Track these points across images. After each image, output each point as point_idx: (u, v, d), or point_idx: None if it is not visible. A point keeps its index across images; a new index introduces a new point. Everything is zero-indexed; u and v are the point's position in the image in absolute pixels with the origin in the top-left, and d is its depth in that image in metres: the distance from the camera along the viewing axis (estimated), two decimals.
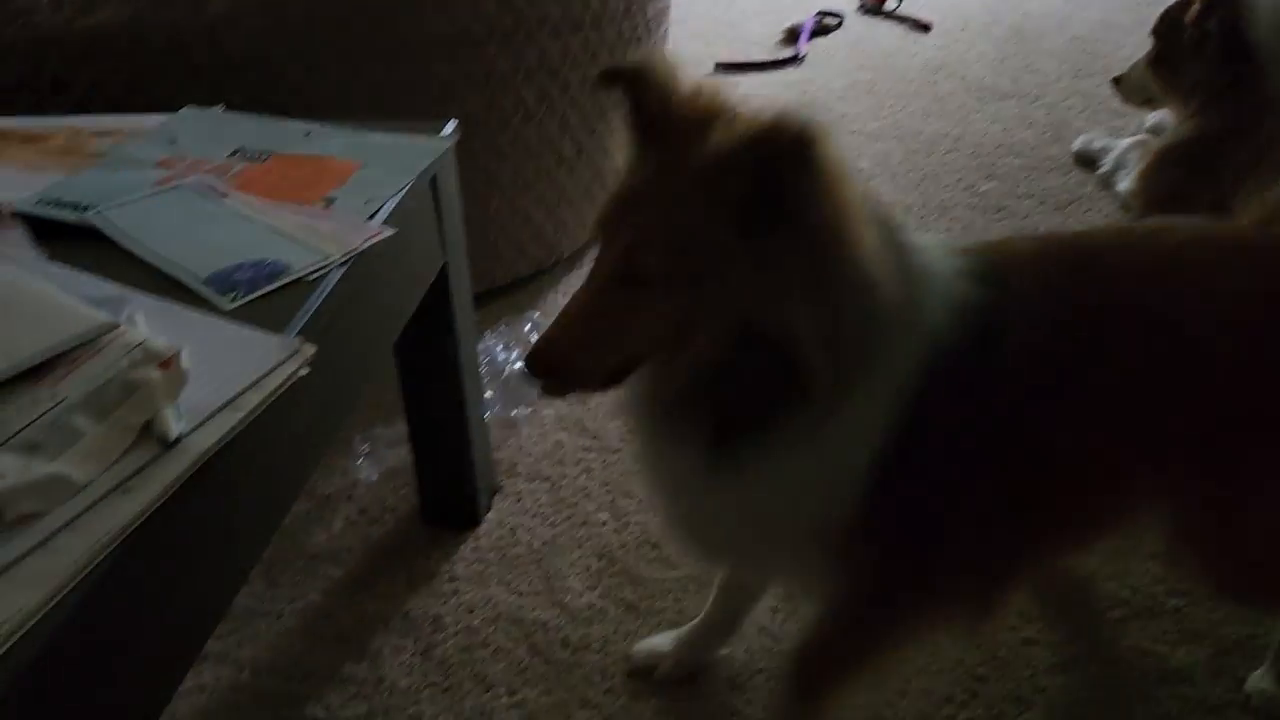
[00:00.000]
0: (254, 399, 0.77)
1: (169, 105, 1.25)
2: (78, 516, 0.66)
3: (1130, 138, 2.28)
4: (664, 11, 1.97)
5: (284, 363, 0.81)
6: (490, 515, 1.44)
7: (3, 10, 1.39)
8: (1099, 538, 1.08)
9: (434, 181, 1.18)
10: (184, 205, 1.04)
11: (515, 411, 1.60)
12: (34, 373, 0.71)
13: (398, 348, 1.33)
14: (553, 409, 1.63)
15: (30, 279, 0.79)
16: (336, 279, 0.95)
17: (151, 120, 1.21)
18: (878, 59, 2.99)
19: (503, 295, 1.88)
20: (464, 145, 1.65)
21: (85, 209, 1.02)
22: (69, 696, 0.63)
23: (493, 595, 1.32)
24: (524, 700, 1.20)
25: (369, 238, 0.99)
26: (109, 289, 0.87)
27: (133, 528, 0.67)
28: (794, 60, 2.99)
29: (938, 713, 1.17)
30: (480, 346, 1.71)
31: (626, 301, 0.81)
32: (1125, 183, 2.16)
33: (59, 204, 1.03)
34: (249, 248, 0.97)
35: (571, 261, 2.00)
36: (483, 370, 1.67)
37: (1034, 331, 0.87)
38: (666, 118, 0.81)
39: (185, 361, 0.76)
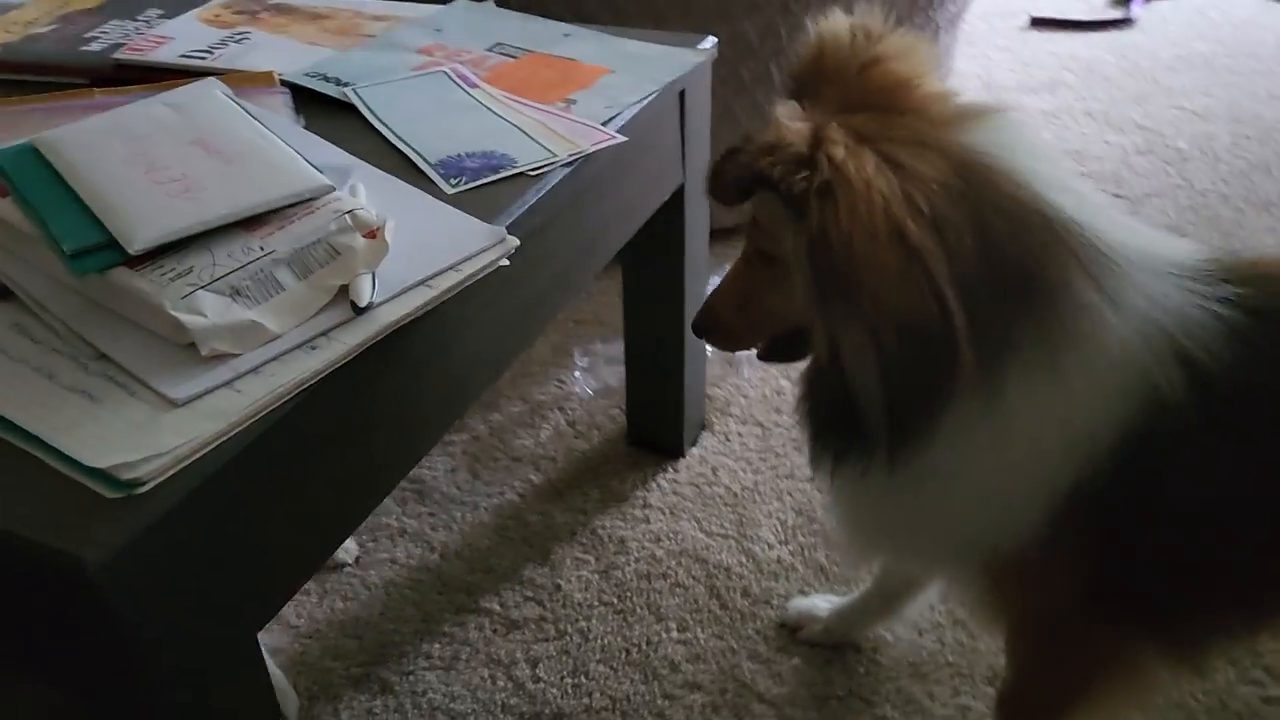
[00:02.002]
0: (450, 280, 0.77)
1: None
2: (265, 363, 0.69)
3: None
4: None
5: (486, 250, 0.80)
6: (694, 450, 1.41)
7: None
8: None
9: (683, 96, 1.14)
10: (434, 91, 1.06)
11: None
12: (249, 222, 0.74)
13: (626, 266, 1.32)
14: None
15: (271, 137, 0.82)
16: (559, 178, 0.93)
17: (425, 9, 1.24)
18: (1224, 30, 2.65)
19: None
20: (733, 71, 1.60)
21: (345, 84, 1.06)
22: (231, 527, 0.65)
23: (682, 530, 1.30)
24: (693, 639, 1.17)
25: (598, 142, 0.97)
26: (342, 158, 0.89)
27: (312, 382, 0.68)
28: (1123, 22, 2.70)
29: None
30: (712, 281, 1.67)
31: (758, 276, 0.80)
32: None
33: (323, 78, 1.08)
34: (483, 138, 0.97)
35: None
36: None
37: None
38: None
39: (389, 234, 0.76)
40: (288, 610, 1.20)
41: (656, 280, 1.30)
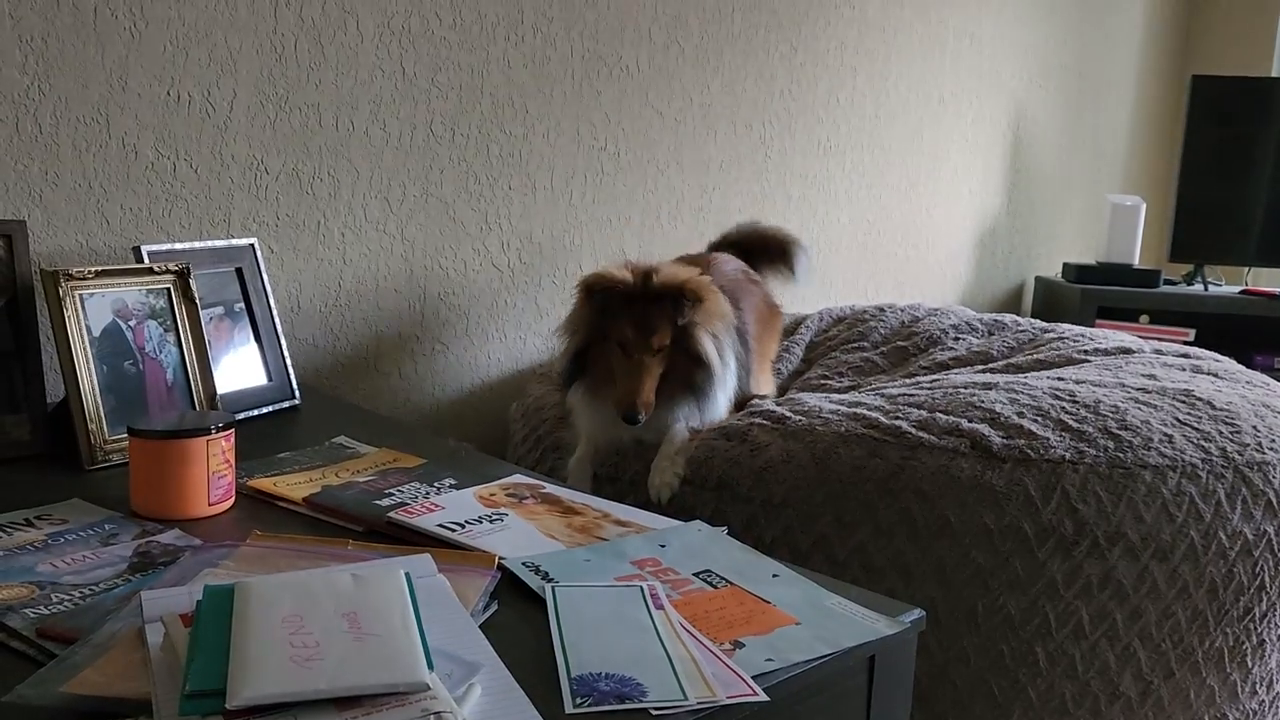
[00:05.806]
0: None
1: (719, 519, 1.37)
2: None
3: None
4: None
5: None
6: None
7: None
8: None
9: (872, 662, 1.09)
10: (621, 604, 1.11)
11: None
12: (342, 701, 0.81)
13: None
14: None
15: (413, 625, 0.90)
16: None
17: (662, 523, 1.33)
18: None
19: None
20: (988, 641, 1.51)
21: (550, 579, 1.15)
22: None
23: None
24: None
25: (734, 697, 0.95)
26: (480, 656, 0.95)
27: None
28: None
29: None
30: None
31: (655, 364, 1.74)
32: None
33: (535, 569, 1.18)
34: (630, 662, 0.99)
35: None
36: None
37: None
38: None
39: None
40: None
41: None
